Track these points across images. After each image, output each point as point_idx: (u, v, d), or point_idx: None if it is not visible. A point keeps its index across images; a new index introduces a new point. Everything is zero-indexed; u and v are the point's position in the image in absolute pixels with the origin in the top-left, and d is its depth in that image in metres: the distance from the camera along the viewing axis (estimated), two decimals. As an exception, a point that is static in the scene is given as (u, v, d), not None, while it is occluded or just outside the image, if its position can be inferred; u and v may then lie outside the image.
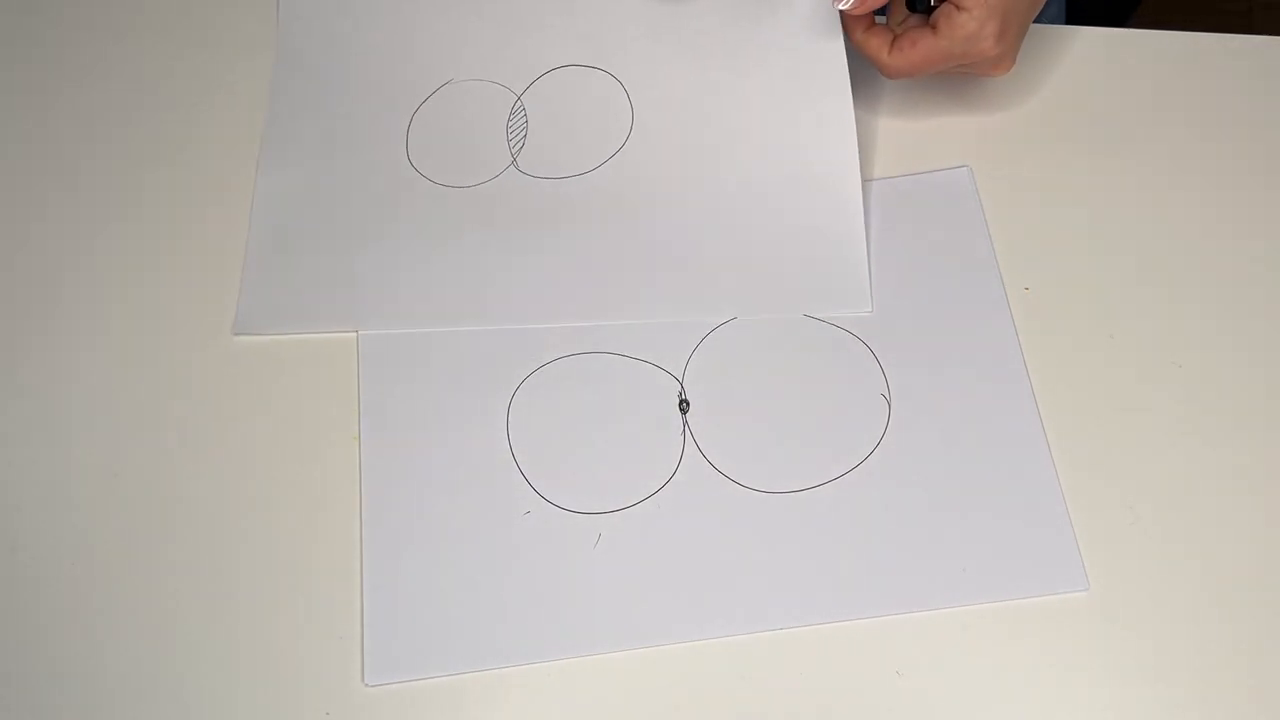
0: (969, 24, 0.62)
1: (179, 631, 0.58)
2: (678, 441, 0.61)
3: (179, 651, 0.58)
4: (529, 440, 0.62)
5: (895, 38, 0.64)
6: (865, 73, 0.68)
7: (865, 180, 0.67)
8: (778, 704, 0.56)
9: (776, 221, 0.66)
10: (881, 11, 0.64)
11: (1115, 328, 0.64)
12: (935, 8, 0.63)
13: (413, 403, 0.63)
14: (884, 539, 0.59)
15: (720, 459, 0.61)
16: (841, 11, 0.63)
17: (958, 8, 0.62)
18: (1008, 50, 0.63)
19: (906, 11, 0.65)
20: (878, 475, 0.60)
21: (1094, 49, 0.72)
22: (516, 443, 0.61)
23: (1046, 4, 0.86)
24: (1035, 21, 0.81)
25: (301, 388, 0.64)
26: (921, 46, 0.63)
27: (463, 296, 0.65)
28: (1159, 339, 0.64)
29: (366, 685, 0.57)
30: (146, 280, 0.67)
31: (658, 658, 0.57)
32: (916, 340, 0.63)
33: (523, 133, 0.69)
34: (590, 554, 0.59)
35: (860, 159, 0.66)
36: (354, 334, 0.65)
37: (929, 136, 0.69)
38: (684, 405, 0.62)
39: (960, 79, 0.70)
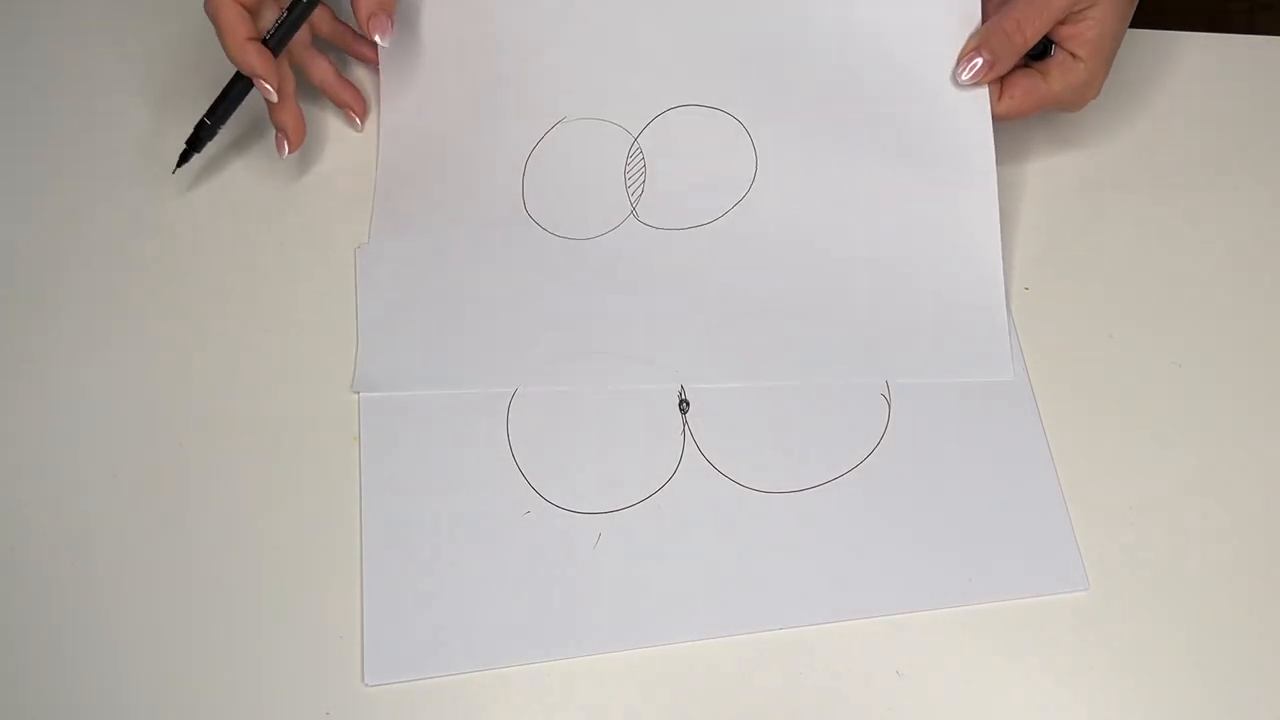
0: (1083, 74, 0.62)
1: (179, 631, 0.58)
2: (678, 441, 0.61)
3: (179, 651, 0.58)
4: (529, 440, 0.62)
5: (1003, 83, 0.63)
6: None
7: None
8: (778, 704, 0.56)
9: (911, 280, 0.63)
10: None
11: (1115, 328, 0.64)
12: (1049, 56, 0.63)
13: (413, 402, 0.63)
14: (884, 539, 0.58)
15: (720, 459, 0.61)
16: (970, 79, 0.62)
17: (1073, 56, 0.62)
18: (1100, 90, 0.64)
19: None
20: (878, 475, 0.60)
21: (1094, 49, 0.72)
22: (516, 443, 0.61)
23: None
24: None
25: (302, 388, 0.64)
26: (1035, 94, 0.62)
27: (591, 355, 0.63)
28: (1159, 339, 0.63)
29: (366, 685, 0.57)
30: (147, 283, 0.67)
31: (658, 658, 0.57)
32: (917, 340, 0.63)
33: (641, 178, 0.66)
34: (590, 554, 0.59)
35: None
36: (353, 335, 0.65)
37: (929, 136, 0.69)
38: (684, 405, 0.62)
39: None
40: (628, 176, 0.66)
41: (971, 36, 0.62)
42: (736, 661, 0.56)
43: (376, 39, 0.64)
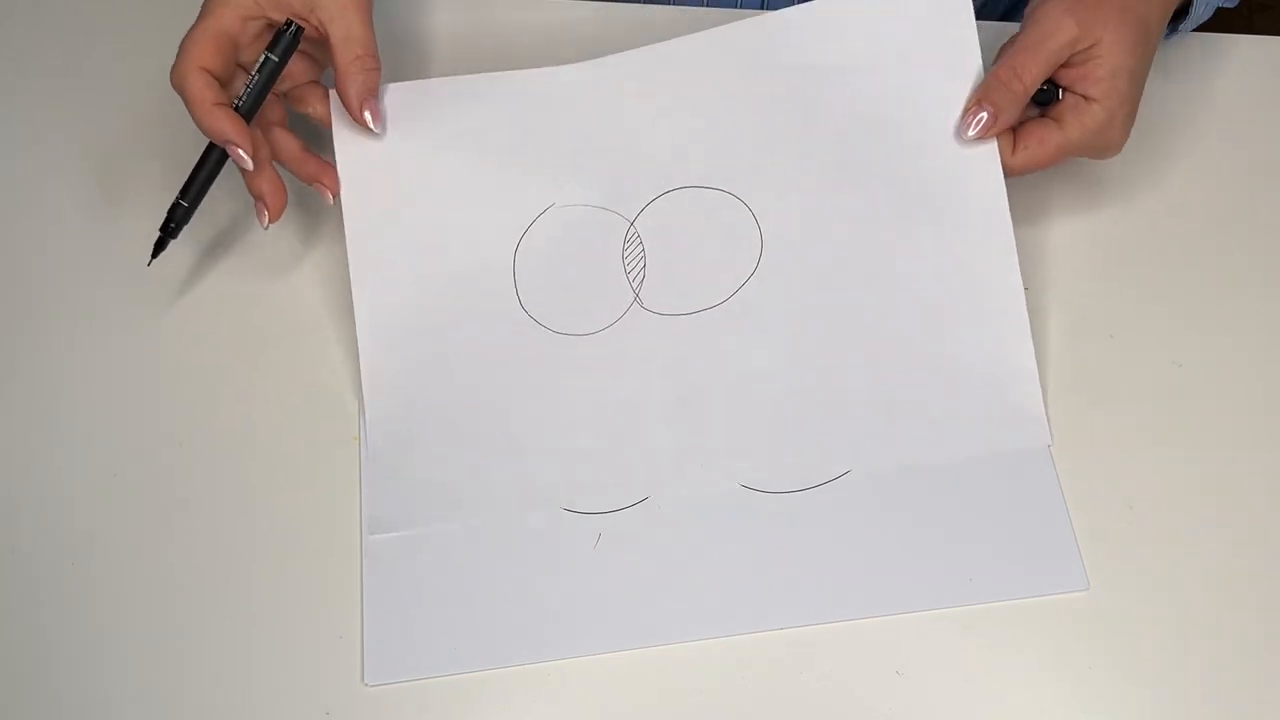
0: (1099, 115, 0.59)
1: (179, 631, 0.58)
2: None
3: (179, 651, 0.58)
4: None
5: (1016, 135, 0.61)
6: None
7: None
8: (778, 704, 0.56)
9: (932, 351, 0.61)
10: None
11: (1115, 328, 0.64)
12: (1058, 101, 0.61)
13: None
14: (884, 539, 0.58)
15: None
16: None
17: (1085, 99, 0.60)
18: (1128, 135, 0.61)
19: None
20: (878, 476, 0.60)
21: (1094, 49, 0.72)
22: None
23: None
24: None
25: (302, 388, 0.64)
26: (1050, 143, 0.60)
27: (605, 469, 0.60)
28: (1159, 339, 0.64)
29: (366, 685, 0.57)
30: (146, 282, 0.67)
31: (658, 658, 0.57)
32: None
33: (641, 263, 0.62)
34: (590, 554, 0.59)
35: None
36: (353, 334, 0.65)
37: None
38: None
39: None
40: (626, 262, 0.63)
41: (973, 92, 0.60)
42: (736, 661, 0.56)
43: (371, 127, 0.61)
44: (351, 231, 0.63)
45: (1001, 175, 0.60)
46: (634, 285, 0.62)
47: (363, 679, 0.57)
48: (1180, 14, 0.65)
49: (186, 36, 0.60)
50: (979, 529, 0.59)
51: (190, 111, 0.60)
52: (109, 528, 0.60)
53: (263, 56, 0.61)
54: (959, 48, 0.61)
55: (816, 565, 0.58)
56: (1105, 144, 0.61)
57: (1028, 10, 0.61)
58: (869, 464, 0.59)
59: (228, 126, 0.60)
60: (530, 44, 0.72)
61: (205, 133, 0.60)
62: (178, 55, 0.60)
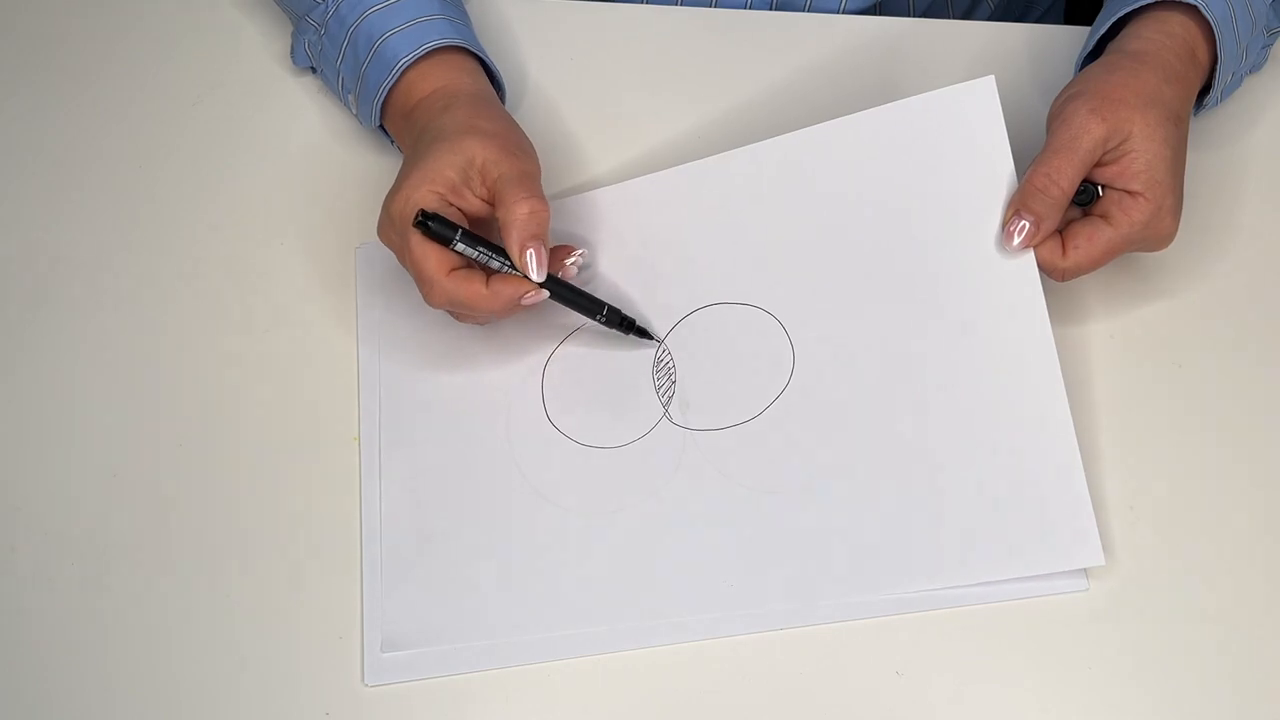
0: (1145, 207, 0.58)
1: (179, 632, 0.58)
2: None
3: (179, 652, 0.58)
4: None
5: (1064, 237, 0.59)
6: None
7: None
8: (778, 704, 0.56)
9: (971, 467, 0.58)
10: None
11: (1116, 328, 0.64)
12: (1099, 198, 0.60)
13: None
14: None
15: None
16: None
17: (1129, 193, 0.59)
18: (1178, 222, 0.60)
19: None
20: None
21: (1094, 50, 0.72)
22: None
23: (1047, 5, 0.86)
24: (1033, 23, 0.81)
25: (301, 389, 0.64)
26: (1100, 241, 0.59)
27: (622, 586, 0.58)
28: (1159, 339, 0.63)
29: (366, 685, 0.57)
30: (147, 283, 0.67)
31: (658, 658, 0.57)
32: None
33: (670, 379, 0.62)
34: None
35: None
36: (353, 335, 0.65)
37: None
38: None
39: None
40: (656, 378, 0.62)
41: (1010, 201, 0.60)
42: (736, 661, 0.57)
43: (532, 276, 0.58)
44: (365, 340, 0.64)
45: (1039, 282, 0.59)
46: (663, 400, 0.62)
47: (363, 679, 0.57)
48: (1205, 88, 0.64)
49: (414, 261, 0.58)
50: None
51: (474, 309, 0.59)
52: (109, 528, 0.61)
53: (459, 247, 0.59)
54: (990, 156, 0.61)
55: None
56: (1157, 235, 0.60)
57: (1051, 113, 0.60)
58: (908, 588, 0.57)
59: (511, 291, 0.58)
60: (531, 44, 0.72)
61: (497, 314, 0.59)
62: (421, 282, 0.58)
